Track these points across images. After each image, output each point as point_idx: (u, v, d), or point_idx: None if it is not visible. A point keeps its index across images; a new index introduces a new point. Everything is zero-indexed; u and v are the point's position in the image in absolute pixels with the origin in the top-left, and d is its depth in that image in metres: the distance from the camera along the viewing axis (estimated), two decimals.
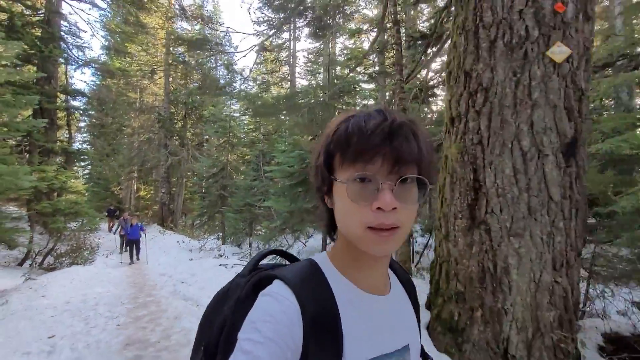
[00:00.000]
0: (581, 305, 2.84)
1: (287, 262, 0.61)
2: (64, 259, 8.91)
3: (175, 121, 20.85)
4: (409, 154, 0.43)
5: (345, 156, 0.45)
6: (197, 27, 22.31)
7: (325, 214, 0.53)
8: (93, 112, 14.25)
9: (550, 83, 1.92)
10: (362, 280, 0.50)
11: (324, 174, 0.49)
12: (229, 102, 16.53)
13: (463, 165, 2.20)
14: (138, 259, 9.30)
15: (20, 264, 8.44)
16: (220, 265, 6.93)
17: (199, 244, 11.27)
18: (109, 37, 14.95)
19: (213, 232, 13.72)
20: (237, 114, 20.15)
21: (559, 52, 1.85)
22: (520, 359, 2.00)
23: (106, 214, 16.01)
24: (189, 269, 7.17)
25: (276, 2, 11.61)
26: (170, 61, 20.54)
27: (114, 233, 11.52)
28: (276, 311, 0.43)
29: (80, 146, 17.23)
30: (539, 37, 1.91)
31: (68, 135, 14.38)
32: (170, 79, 20.65)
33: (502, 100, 2.01)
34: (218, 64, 24.36)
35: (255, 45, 8.21)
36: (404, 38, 6.02)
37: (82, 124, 19.88)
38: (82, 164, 16.53)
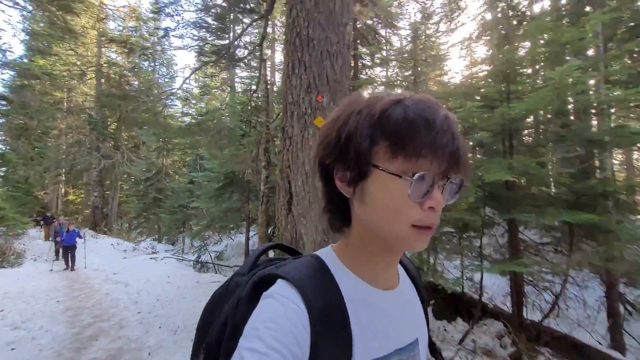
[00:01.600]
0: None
1: (288, 256, 0.59)
2: None
3: (109, 123, 20.47)
4: (464, 156, 0.43)
5: (404, 148, 0.41)
6: (132, 24, 22.10)
7: (334, 201, 0.49)
8: (15, 115, 13.83)
9: (314, 141, 3.68)
10: (373, 276, 0.48)
11: (363, 161, 0.43)
12: (168, 102, 16.97)
13: (282, 179, 3.89)
14: (74, 268, 8.32)
15: None
16: (150, 258, 7.99)
17: (133, 245, 11.91)
18: (32, 39, 14.53)
19: (150, 233, 14.26)
20: (178, 115, 20.53)
21: (319, 121, 3.59)
22: None
23: (42, 221, 15.02)
24: (121, 264, 8.10)
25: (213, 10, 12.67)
26: (102, 62, 20.17)
27: (52, 240, 10.49)
28: (280, 316, 0.40)
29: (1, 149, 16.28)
30: (311, 113, 3.65)
31: None
32: (103, 80, 20.21)
33: (297, 144, 3.72)
34: (157, 64, 24.27)
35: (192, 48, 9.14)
36: None
37: None
38: (2, 168, 15.72)
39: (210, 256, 8.24)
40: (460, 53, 13.76)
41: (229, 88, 20.35)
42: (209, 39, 7.50)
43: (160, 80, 23.87)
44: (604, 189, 3.43)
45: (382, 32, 8.02)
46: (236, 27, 7.94)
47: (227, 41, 6.82)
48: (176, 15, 6.02)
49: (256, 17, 5.69)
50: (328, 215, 0.51)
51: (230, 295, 0.50)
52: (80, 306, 4.56)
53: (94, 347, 3.21)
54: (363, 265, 0.48)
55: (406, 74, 7.74)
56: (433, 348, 0.60)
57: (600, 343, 4.43)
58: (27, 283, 6.39)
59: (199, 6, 6.56)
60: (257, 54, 5.74)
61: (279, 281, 0.44)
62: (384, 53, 7.86)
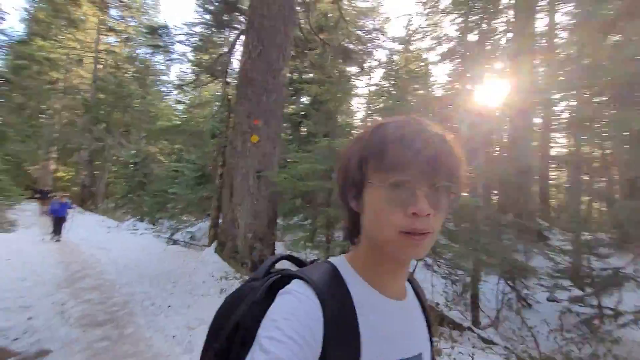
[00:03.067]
0: None
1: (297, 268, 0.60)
2: None
3: (102, 107, 21.50)
4: (445, 163, 0.46)
5: (382, 161, 0.46)
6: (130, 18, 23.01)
7: (348, 216, 0.54)
8: (15, 95, 14.90)
9: (252, 149, 5.14)
10: (381, 285, 0.51)
11: (356, 177, 0.49)
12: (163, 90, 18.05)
13: (228, 177, 5.36)
14: (60, 239, 8.88)
15: None
16: (131, 233, 9.37)
17: (117, 223, 13.23)
18: (35, 24, 15.56)
19: (133, 213, 15.54)
20: (172, 104, 21.61)
21: (254, 138, 5.07)
22: (243, 251, 5.21)
23: (38, 195, 15.53)
24: (105, 237, 9.46)
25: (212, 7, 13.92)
26: (100, 49, 21.16)
27: (48, 214, 10.52)
28: (298, 309, 0.43)
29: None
30: (250, 132, 5.12)
31: None
32: (101, 66, 21.23)
33: (239, 153, 5.19)
34: (155, 52, 25.20)
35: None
36: None
37: None
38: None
39: (183, 235, 9.65)
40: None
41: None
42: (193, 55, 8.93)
43: (156, 67, 24.63)
44: None
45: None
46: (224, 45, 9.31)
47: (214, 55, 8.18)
48: (167, 37, 7.34)
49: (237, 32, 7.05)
50: (346, 230, 0.56)
51: (245, 299, 0.51)
52: (71, 261, 5.97)
53: (82, 282, 4.64)
54: (372, 273, 0.51)
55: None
56: None
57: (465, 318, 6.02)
58: (24, 245, 7.71)
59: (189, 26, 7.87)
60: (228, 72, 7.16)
61: (296, 280, 0.48)
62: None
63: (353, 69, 9.78)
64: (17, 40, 15.27)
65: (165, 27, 7.46)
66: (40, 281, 4.58)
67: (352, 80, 9.79)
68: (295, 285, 0.47)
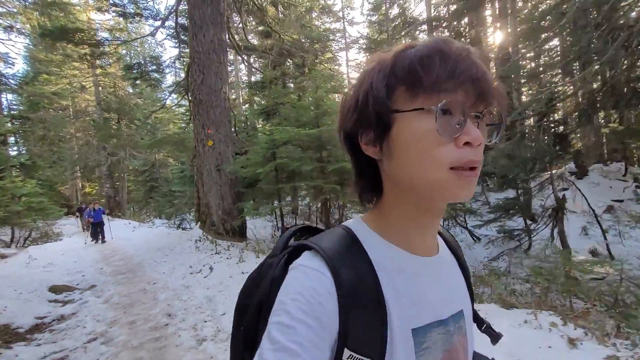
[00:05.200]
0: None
1: None
2: (37, 242, 13.08)
3: (110, 125, 23.97)
4: (491, 87, 0.39)
5: (421, 82, 0.38)
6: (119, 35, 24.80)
7: (364, 171, 0.47)
8: (35, 129, 17.45)
9: (210, 151, 7.09)
10: (407, 242, 0.46)
11: (381, 112, 0.40)
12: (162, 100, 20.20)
13: (198, 174, 7.41)
14: (104, 240, 10.42)
15: (8, 246, 12.51)
16: (149, 228, 11.77)
17: (139, 223, 15.82)
18: (35, 63, 17.81)
19: (154, 214, 18.16)
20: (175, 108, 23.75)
21: (209, 143, 7.02)
22: (218, 224, 7.33)
23: (77, 213, 16.51)
24: (130, 234, 11.93)
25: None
26: (97, 72, 23.30)
27: (86, 220, 11.76)
28: (306, 287, 0.39)
29: (29, 158, 20.06)
30: (205, 139, 7.08)
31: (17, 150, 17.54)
32: (100, 88, 23.48)
33: (201, 155, 7.20)
34: (147, 60, 27.16)
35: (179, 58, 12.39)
36: None
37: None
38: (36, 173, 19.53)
39: (188, 223, 11.96)
40: None
41: None
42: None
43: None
44: None
45: None
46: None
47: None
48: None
49: None
50: (359, 188, 0.49)
51: (265, 277, 0.49)
52: (105, 249, 8.34)
53: (112, 258, 6.94)
54: (396, 230, 0.46)
55: None
56: (481, 322, 0.57)
57: None
58: (71, 247, 10.21)
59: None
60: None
61: (305, 252, 0.44)
62: None
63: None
64: (27, 81, 17.68)
65: (139, 63, 9.33)
66: (86, 261, 6.90)
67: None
68: (304, 258, 0.43)
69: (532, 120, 7.47)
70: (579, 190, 10.31)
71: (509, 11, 10.56)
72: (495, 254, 8.29)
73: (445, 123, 0.37)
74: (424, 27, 13.56)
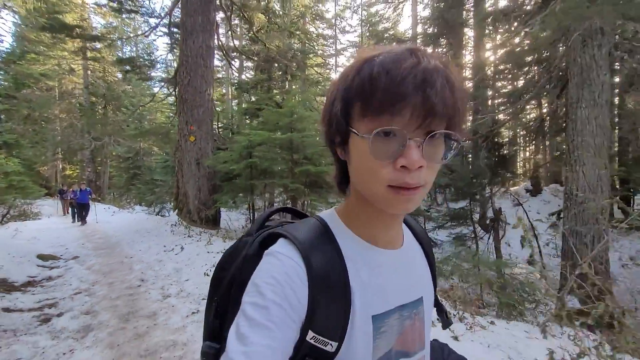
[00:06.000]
0: None
1: (296, 220, 0.60)
2: (15, 220, 13.35)
3: (97, 110, 24.04)
4: (443, 105, 0.38)
5: (369, 106, 0.39)
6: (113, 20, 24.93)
7: (337, 165, 0.51)
8: (20, 108, 17.54)
9: (191, 146, 7.82)
10: (372, 236, 0.50)
11: (340, 125, 0.44)
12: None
13: (179, 166, 8.13)
14: (85, 222, 10.44)
15: None
16: (129, 213, 12.29)
17: (119, 209, 16.22)
18: (23, 42, 17.91)
19: (134, 200, 18.52)
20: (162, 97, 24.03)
21: (192, 138, 7.75)
22: (194, 213, 8.06)
23: (58, 194, 16.26)
24: (109, 217, 12.41)
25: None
26: (89, 56, 23.36)
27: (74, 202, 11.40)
28: (279, 272, 0.43)
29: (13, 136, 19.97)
30: (188, 134, 7.81)
31: None
32: (89, 72, 23.53)
33: (183, 149, 7.92)
34: (139, 49, 27.30)
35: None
36: None
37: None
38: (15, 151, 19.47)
39: (168, 211, 12.56)
40: None
41: None
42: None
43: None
44: None
45: None
46: None
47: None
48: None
49: None
50: (336, 179, 0.52)
51: (239, 254, 0.53)
52: (86, 229, 8.90)
53: (93, 237, 7.57)
54: (362, 226, 0.49)
55: None
56: (440, 308, 0.62)
57: None
58: (51, 227, 10.65)
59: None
60: None
61: (280, 240, 0.47)
62: None
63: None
64: (14, 59, 17.75)
65: (131, 57, 9.93)
66: (68, 238, 7.50)
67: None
68: (279, 245, 0.46)
69: (477, 141, 8.52)
70: (522, 205, 11.59)
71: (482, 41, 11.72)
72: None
73: (380, 148, 0.39)
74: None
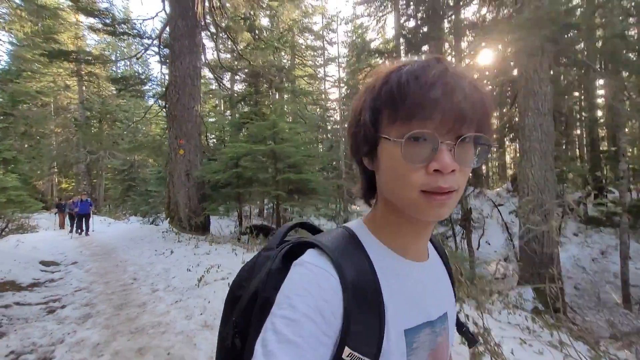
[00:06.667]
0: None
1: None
2: (14, 233, 13.81)
3: (93, 124, 24.61)
4: (472, 110, 0.40)
5: (398, 112, 0.40)
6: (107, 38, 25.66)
7: (363, 176, 0.51)
8: (18, 125, 18.07)
9: (181, 158, 8.43)
10: (402, 247, 0.48)
11: (369, 132, 0.44)
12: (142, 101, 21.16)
13: (170, 176, 8.73)
14: (87, 233, 10.52)
15: None
16: (124, 223, 12.81)
17: (115, 220, 16.71)
18: (20, 62, 18.55)
19: (128, 212, 19.00)
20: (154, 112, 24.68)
21: (181, 151, 8.36)
22: (184, 221, 8.65)
23: (55, 209, 16.21)
24: (105, 228, 12.92)
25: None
26: (83, 72, 24.02)
27: (70, 227, 11.54)
28: (311, 283, 0.41)
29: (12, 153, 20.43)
30: (178, 148, 8.44)
31: None
32: (84, 87, 24.16)
33: (173, 162, 8.54)
34: (132, 62, 27.98)
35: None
36: None
37: None
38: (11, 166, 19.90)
39: (161, 221, 13.09)
40: None
41: None
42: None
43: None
44: None
45: None
46: None
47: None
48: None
49: None
50: (362, 190, 0.52)
51: (259, 270, 0.50)
52: (83, 239, 9.42)
53: (90, 245, 8.10)
54: (391, 236, 0.48)
55: None
56: (461, 326, 0.60)
57: None
58: (50, 239, 11.13)
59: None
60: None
61: (310, 250, 0.45)
62: None
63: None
64: (10, 78, 18.35)
65: (124, 77, 10.60)
66: (67, 247, 8.04)
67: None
68: (309, 255, 0.45)
69: None
70: (497, 207, 12.28)
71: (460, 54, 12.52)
72: None
73: (412, 152, 0.40)
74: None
